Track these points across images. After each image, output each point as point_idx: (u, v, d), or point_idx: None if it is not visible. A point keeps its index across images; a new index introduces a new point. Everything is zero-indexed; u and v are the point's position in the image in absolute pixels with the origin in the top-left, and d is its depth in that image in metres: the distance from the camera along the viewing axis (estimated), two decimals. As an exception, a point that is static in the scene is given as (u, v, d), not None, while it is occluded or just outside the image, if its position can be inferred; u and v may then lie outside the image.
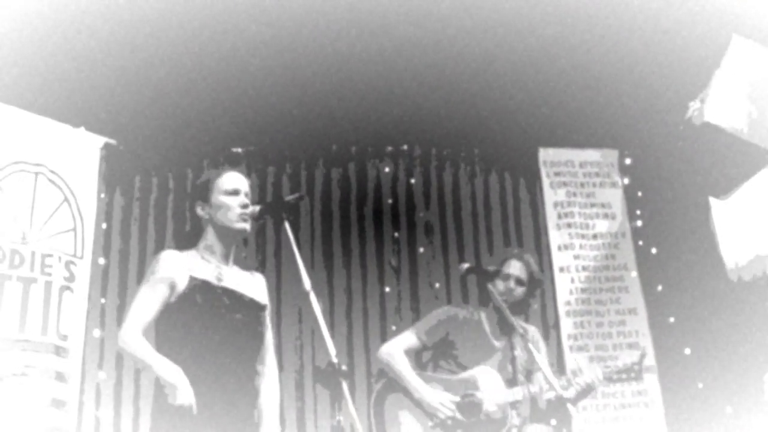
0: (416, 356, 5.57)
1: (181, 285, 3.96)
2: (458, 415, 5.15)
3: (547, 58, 6.64)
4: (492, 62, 6.67)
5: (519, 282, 5.49)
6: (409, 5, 6.18)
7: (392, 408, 5.28)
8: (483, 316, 5.55)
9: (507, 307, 5.14)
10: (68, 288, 6.06)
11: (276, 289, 6.93)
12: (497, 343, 5.45)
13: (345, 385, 3.46)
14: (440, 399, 5.18)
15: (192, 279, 3.97)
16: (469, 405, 5.19)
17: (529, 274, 5.55)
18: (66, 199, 6.23)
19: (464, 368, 5.33)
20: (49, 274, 5.95)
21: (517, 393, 5.24)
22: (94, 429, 6.46)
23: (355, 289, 7.28)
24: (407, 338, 5.52)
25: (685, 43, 6.40)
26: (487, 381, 5.30)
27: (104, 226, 6.84)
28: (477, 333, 5.46)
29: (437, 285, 7.46)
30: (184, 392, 3.61)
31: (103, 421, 6.52)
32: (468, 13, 6.19)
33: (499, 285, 5.44)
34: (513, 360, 5.42)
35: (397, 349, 5.43)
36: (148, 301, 3.93)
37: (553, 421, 6.25)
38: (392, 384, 5.34)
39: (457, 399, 5.19)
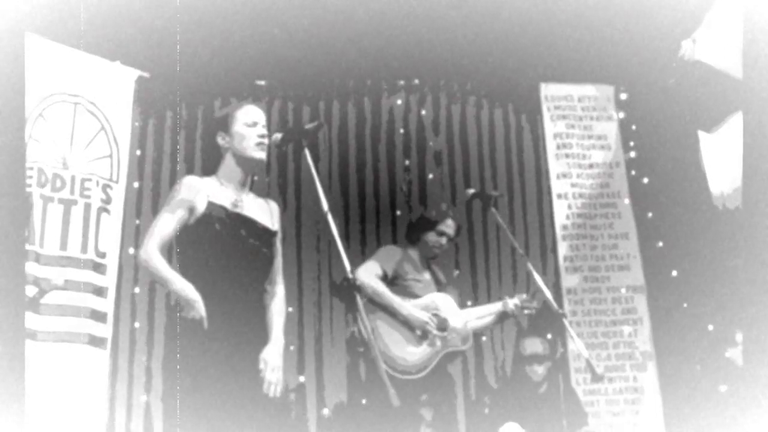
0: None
1: (200, 208, 4.09)
2: (436, 330, 5.75)
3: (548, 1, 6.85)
4: (498, 4, 6.88)
5: None
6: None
7: (379, 321, 5.74)
8: (412, 254, 6.08)
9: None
10: (105, 209, 6.25)
11: (296, 211, 7.26)
12: (424, 276, 6.04)
13: (359, 299, 3.65)
14: (424, 316, 5.74)
15: (210, 204, 4.10)
16: (441, 321, 5.80)
17: None
18: (103, 128, 6.38)
19: (415, 296, 5.88)
20: (88, 197, 6.15)
21: (497, 306, 6.05)
22: (130, 339, 6.78)
23: (369, 213, 7.52)
24: (374, 267, 5.91)
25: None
26: (444, 303, 5.96)
27: (138, 152, 7.07)
28: (413, 267, 5.99)
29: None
30: (197, 307, 3.81)
31: (138, 333, 6.83)
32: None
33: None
34: (444, 289, 6.09)
35: (373, 275, 5.83)
36: (167, 222, 4.07)
37: (549, 335, 6.74)
38: (373, 302, 5.75)
39: (432, 317, 5.78)
